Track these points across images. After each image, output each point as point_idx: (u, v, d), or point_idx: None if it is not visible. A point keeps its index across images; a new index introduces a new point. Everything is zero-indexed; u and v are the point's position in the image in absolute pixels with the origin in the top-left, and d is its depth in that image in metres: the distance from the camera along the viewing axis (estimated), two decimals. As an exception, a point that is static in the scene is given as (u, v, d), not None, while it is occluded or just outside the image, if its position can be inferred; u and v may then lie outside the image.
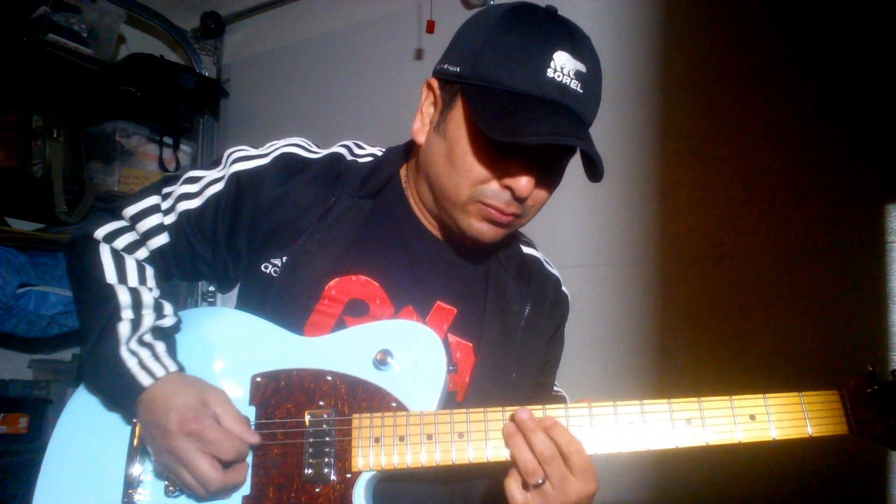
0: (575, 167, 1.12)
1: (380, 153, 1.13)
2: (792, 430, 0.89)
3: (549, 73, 0.92)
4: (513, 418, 0.90)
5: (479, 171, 0.96)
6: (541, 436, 0.87)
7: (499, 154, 0.95)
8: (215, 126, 3.02)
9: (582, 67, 0.94)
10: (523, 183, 0.94)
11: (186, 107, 2.76)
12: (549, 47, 0.93)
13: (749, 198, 1.81)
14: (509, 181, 0.95)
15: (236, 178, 1.04)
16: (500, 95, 0.93)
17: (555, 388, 1.23)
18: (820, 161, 1.72)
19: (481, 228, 1.00)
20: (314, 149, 1.11)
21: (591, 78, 0.96)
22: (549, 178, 1.00)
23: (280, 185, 1.04)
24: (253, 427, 0.97)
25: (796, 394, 0.91)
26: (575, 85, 0.93)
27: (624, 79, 2.00)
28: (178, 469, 0.91)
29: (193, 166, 2.89)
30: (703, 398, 0.91)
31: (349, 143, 1.14)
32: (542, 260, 1.21)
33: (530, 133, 0.90)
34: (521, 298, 1.11)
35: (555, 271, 1.22)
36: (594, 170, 0.95)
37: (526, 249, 1.19)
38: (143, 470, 0.98)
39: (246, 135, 2.94)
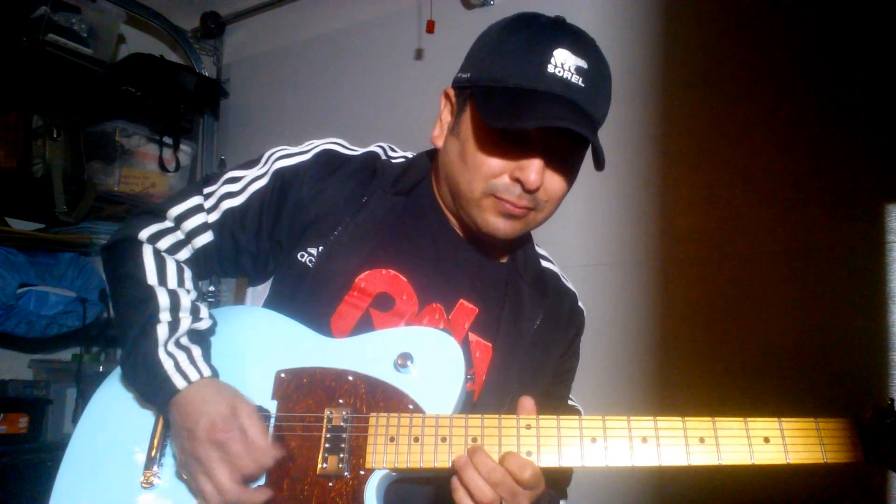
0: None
1: (411, 156, 1.17)
2: (807, 455, 0.89)
3: (550, 68, 0.96)
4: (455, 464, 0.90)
5: (489, 165, 0.99)
6: (489, 464, 0.88)
7: (506, 147, 0.98)
8: (215, 126, 3.02)
9: (583, 64, 0.97)
10: (532, 175, 0.97)
11: (186, 107, 2.76)
12: (550, 45, 0.97)
13: (749, 198, 1.81)
14: (518, 174, 0.98)
15: (280, 174, 1.09)
16: (503, 91, 0.97)
17: (570, 401, 1.25)
18: (820, 161, 1.73)
19: (497, 224, 1.02)
20: (351, 147, 1.15)
21: (595, 74, 0.98)
22: (560, 170, 1.02)
23: (321, 181, 1.08)
24: (273, 420, 0.99)
25: (811, 419, 0.91)
26: (577, 80, 0.96)
27: (624, 79, 1.99)
28: (199, 475, 0.93)
29: (193, 166, 2.89)
30: (717, 418, 0.91)
31: (384, 144, 1.18)
32: (560, 275, 1.24)
33: (528, 119, 0.93)
34: (535, 307, 1.13)
35: (571, 286, 1.24)
36: (596, 157, 0.98)
37: (544, 263, 1.21)
38: (163, 456, 1.01)
39: (246, 135, 2.94)
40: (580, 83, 0.96)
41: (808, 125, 1.75)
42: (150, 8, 2.82)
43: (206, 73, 2.98)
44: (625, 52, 2.03)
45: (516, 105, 0.95)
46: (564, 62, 0.96)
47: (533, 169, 0.97)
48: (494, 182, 1.00)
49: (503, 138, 0.98)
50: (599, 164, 0.98)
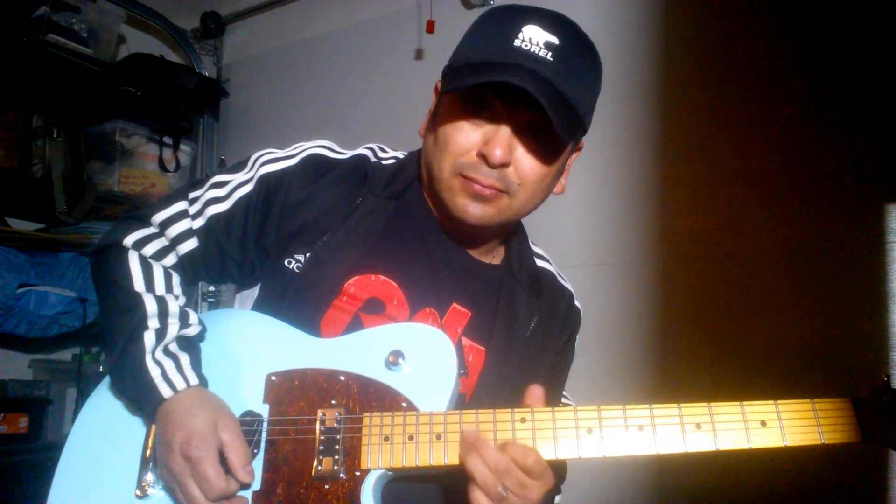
0: (577, 167, 1.12)
1: (402, 156, 1.15)
2: (804, 436, 0.88)
3: (516, 42, 0.95)
4: (463, 438, 0.90)
5: (456, 141, 0.98)
6: (492, 452, 0.88)
7: (473, 123, 0.97)
8: (215, 126, 3.02)
9: (554, 39, 0.95)
10: (495, 148, 0.95)
11: (186, 107, 2.76)
12: (520, 23, 0.96)
13: (749, 198, 1.81)
14: (483, 148, 0.96)
15: (265, 179, 1.06)
16: (470, 66, 0.96)
17: (564, 399, 1.24)
18: (820, 161, 1.72)
19: (465, 205, 1.00)
20: (340, 150, 1.13)
21: (567, 50, 0.96)
22: (533, 150, 0.99)
23: (308, 186, 1.06)
24: (266, 423, 0.98)
25: (808, 401, 0.89)
26: (544, 53, 0.94)
27: (624, 79, 2.00)
28: (174, 486, 0.94)
29: (193, 166, 2.89)
30: (713, 403, 0.90)
31: (373, 145, 1.16)
32: (556, 274, 1.22)
33: (476, 79, 0.92)
34: (530, 309, 1.12)
35: (568, 285, 1.23)
36: (551, 123, 0.92)
37: (540, 263, 1.20)
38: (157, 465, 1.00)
39: (246, 135, 2.94)
40: (548, 57, 0.94)
41: (808, 125, 1.75)
42: (150, 8, 2.82)
43: (206, 73, 2.98)
44: (625, 51, 2.02)
45: (475, 74, 0.93)
46: (532, 37, 0.94)
47: (496, 141, 0.95)
48: (461, 160, 0.98)
49: (467, 112, 0.97)
50: (556, 130, 0.93)
